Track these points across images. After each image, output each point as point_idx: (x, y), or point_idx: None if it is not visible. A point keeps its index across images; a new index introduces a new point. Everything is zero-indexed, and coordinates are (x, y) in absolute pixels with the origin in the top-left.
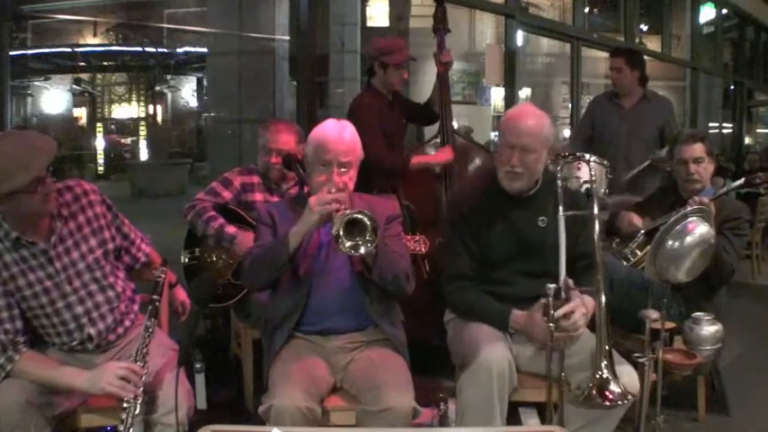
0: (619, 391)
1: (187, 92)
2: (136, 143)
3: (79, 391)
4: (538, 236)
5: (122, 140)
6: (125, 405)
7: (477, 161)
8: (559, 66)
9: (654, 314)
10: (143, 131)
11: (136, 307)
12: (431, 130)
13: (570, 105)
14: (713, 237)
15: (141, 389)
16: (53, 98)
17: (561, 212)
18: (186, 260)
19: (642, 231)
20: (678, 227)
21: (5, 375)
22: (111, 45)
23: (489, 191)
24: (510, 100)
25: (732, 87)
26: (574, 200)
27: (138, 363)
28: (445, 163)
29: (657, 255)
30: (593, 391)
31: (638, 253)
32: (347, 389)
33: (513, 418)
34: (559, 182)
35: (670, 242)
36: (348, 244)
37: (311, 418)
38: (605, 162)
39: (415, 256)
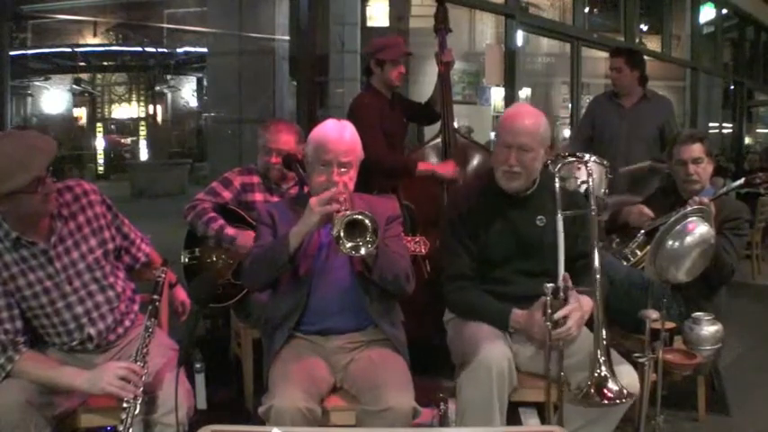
0: (617, 389)
1: (187, 92)
2: (136, 143)
3: (79, 391)
4: (536, 235)
5: (122, 140)
6: (125, 405)
7: (478, 161)
8: (559, 66)
9: (654, 314)
10: (143, 131)
11: (136, 307)
12: (431, 131)
13: (570, 105)
14: (713, 237)
15: (141, 389)
16: (53, 98)
17: (559, 213)
18: (186, 260)
19: (642, 231)
20: (678, 227)
21: (5, 375)
22: (111, 45)
23: (487, 190)
24: (510, 100)
25: (732, 87)
26: (572, 200)
27: (138, 363)
28: (449, 178)
29: (657, 255)
30: (592, 390)
31: (638, 253)
32: (347, 389)
33: (513, 418)
34: (557, 181)
35: (670, 242)
36: (349, 245)
37: (311, 419)
38: (605, 162)
39: (416, 257)
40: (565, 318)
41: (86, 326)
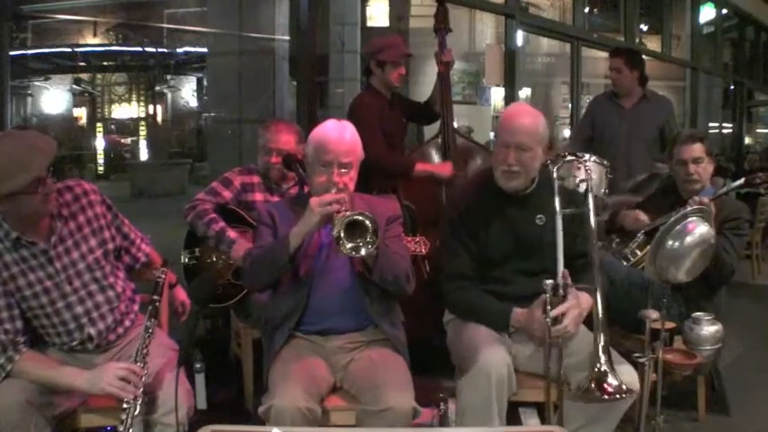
0: (617, 384)
1: (187, 92)
2: (136, 143)
3: (79, 392)
4: (536, 234)
5: (122, 140)
6: (125, 405)
7: (478, 161)
8: (559, 66)
9: (654, 314)
10: (143, 131)
11: (136, 307)
12: (431, 130)
13: (570, 105)
14: (713, 237)
15: (141, 389)
16: (53, 98)
17: (558, 209)
18: (186, 260)
19: (642, 231)
20: (678, 227)
21: (5, 375)
22: (111, 45)
23: (486, 190)
24: (510, 100)
25: (732, 87)
26: (571, 198)
27: (138, 363)
28: (446, 178)
29: (657, 255)
30: (592, 384)
31: (638, 253)
32: (347, 389)
33: (513, 418)
34: (556, 179)
35: (670, 242)
36: (349, 246)
37: (311, 419)
38: (605, 162)
39: (416, 257)
40: (563, 315)
41: (86, 326)
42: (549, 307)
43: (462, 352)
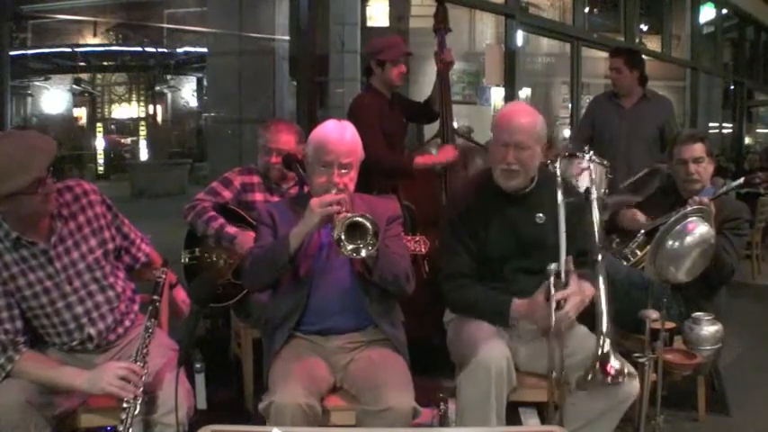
0: (619, 366)
1: (187, 92)
2: (136, 143)
3: (79, 391)
4: (535, 233)
5: (122, 140)
6: (125, 405)
7: (478, 161)
8: (559, 66)
9: (654, 314)
10: (143, 131)
11: (136, 307)
12: (431, 130)
13: (570, 105)
14: (713, 237)
15: (141, 389)
16: (53, 98)
17: (560, 199)
18: (186, 260)
19: (642, 231)
20: (678, 227)
21: (5, 375)
22: (111, 45)
23: (486, 189)
24: (510, 100)
25: (732, 87)
26: (572, 192)
27: (138, 363)
28: (448, 163)
29: (657, 255)
30: (597, 365)
31: (638, 253)
32: (347, 389)
33: (513, 418)
34: (558, 171)
35: (670, 242)
36: (349, 247)
37: (311, 415)
38: (605, 162)
39: (416, 257)
40: (565, 300)
41: (86, 326)
42: (552, 290)
43: (462, 349)
